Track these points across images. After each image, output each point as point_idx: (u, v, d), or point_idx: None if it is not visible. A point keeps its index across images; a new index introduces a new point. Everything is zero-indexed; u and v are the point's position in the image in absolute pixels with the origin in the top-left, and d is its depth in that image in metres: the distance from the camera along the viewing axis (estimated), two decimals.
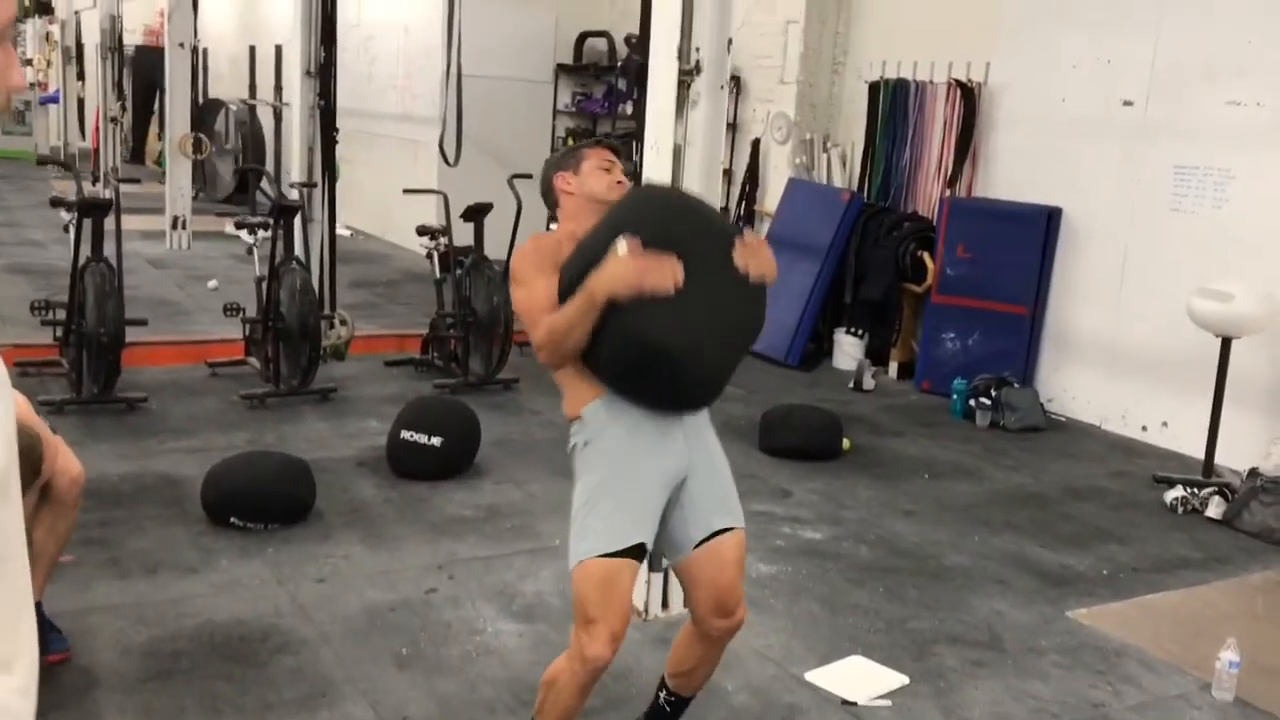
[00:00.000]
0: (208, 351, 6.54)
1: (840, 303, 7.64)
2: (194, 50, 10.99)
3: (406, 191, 7.51)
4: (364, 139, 11.15)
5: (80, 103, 16.32)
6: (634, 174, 3.59)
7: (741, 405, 6.07)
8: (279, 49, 12.08)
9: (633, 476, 2.43)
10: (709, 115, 3.49)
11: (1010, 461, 5.74)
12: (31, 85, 16.45)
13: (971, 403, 6.40)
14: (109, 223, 5.71)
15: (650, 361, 2.35)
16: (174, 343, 6.70)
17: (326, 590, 3.77)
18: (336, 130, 7.03)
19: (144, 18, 17.60)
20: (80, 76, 16.14)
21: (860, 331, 7.53)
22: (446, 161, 6.92)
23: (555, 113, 10.63)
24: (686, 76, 3.42)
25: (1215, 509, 5.00)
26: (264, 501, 4.23)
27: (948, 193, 7.28)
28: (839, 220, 7.55)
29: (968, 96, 7.16)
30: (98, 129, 12.92)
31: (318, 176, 7.02)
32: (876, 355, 7.49)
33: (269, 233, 6.20)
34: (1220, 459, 5.43)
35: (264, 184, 10.34)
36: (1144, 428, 6.24)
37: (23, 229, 10.83)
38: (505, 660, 3.38)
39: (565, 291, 2.37)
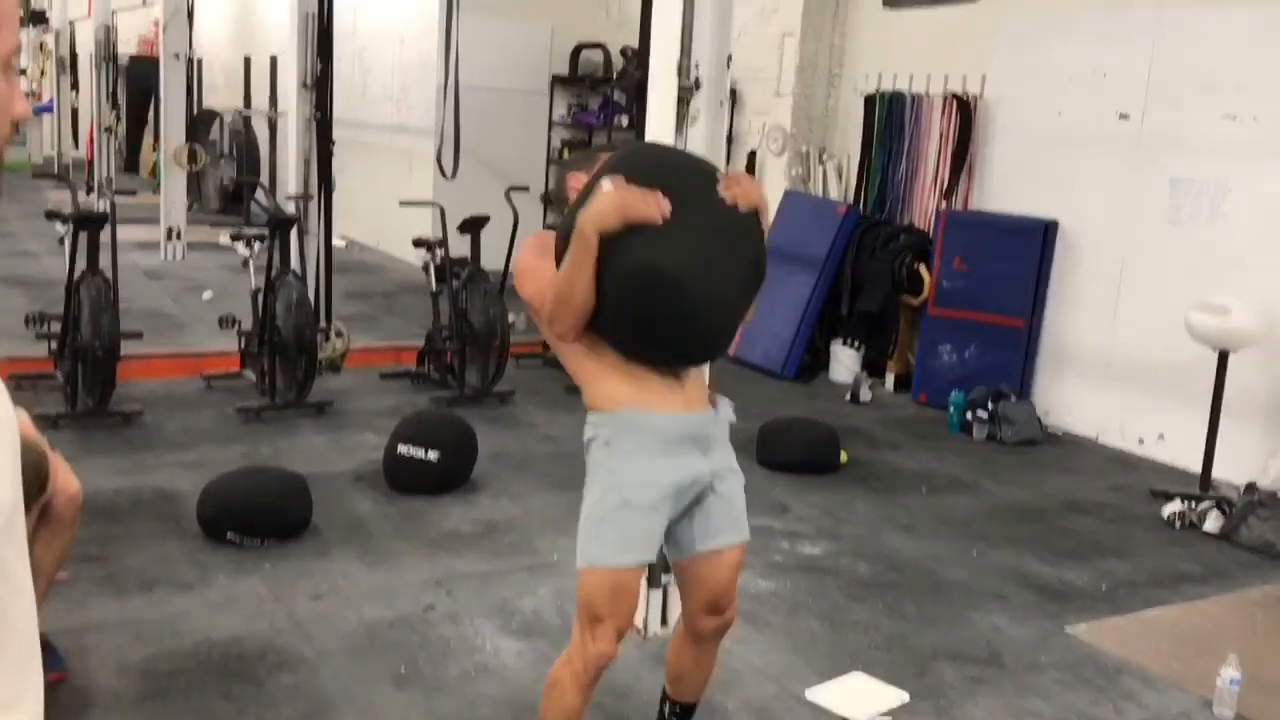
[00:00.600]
0: (203, 364, 6.52)
1: (837, 315, 7.64)
2: (189, 61, 10.99)
3: (403, 204, 7.50)
4: (359, 150, 11.14)
5: (74, 112, 16.31)
6: None
7: (739, 417, 6.04)
8: (274, 60, 12.10)
9: (651, 491, 2.41)
10: (708, 131, 3.48)
11: (1008, 475, 5.74)
12: (26, 94, 16.43)
13: (968, 416, 6.40)
14: (104, 234, 5.69)
15: (651, 292, 2.30)
16: (169, 355, 6.69)
17: (324, 607, 3.75)
18: (333, 142, 7.02)
19: (139, 28, 17.60)
20: (74, 86, 16.13)
21: (857, 343, 7.52)
22: (444, 174, 6.91)
23: (551, 124, 10.63)
24: (686, 93, 3.42)
25: (1213, 523, 5.00)
26: (261, 517, 4.21)
27: (944, 205, 7.29)
28: (835, 232, 7.55)
29: (964, 109, 7.17)
30: (92, 139, 12.90)
31: (314, 189, 7.01)
32: (873, 367, 7.49)
33: (265, 245, 6.18)
34: (1217, 473, 5.43)
35: (259, 194, 10.33)
36: (1141, 440, 6.24)
37: (17, 240, 10.81)
38: (504, 679, 3.36)
39: (561, 249, 2.37)
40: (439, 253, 6.75)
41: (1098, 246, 6.50)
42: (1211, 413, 5.38)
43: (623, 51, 10.11)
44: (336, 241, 7.39)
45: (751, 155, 8.50)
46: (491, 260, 6.55)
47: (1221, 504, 5.08)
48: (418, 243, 6.82)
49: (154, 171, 13.62)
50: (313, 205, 7.00)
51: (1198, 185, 5.95)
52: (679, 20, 3.37)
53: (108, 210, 5.84)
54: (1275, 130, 5.62)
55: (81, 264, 5.57)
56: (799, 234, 7.75)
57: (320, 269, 7.01)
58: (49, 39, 17.47)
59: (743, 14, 7.97)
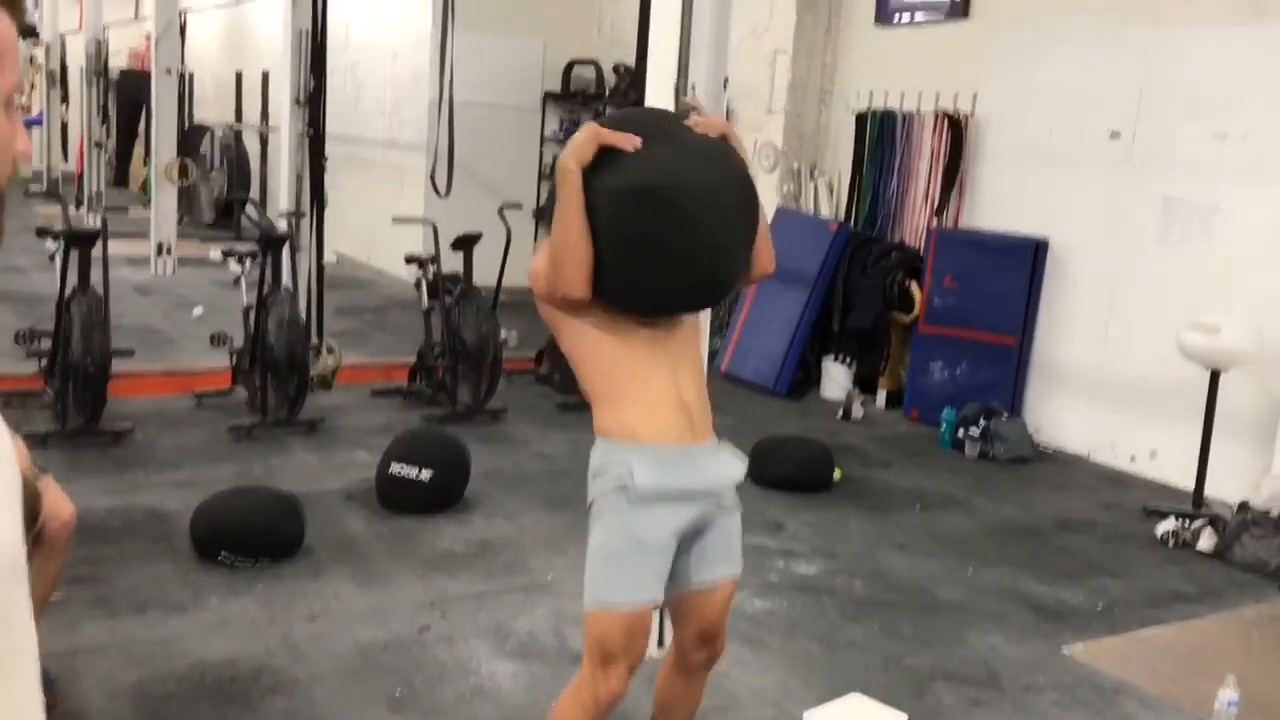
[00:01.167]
0: (194, 381, 6.49)
1: (828, 331, 7.65)
2: (180, 75, 10.97)
3: (396, 220, 7.49)
4: (350, 165, 11.13)
5: (64, 126, 16.27)
6: None
7: (731, 434, 6.03)
8: (266, 75, 12.09)
9: (663, 532, 2.39)
10: None
11: (1001, 493, 5.74)
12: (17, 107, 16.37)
13: (960, 433, 6.41)
14: (95, 250, 5.67)
15: (643, 208, 2.29)
16: (160, 372, 6.65)
17: (318, 629, 3.73)
18: (325, 159, 7.00)
19: (129, 41, 17.57)
20: (64, 100, 16.10)
21: (848, 360, 7.53)
22: (438, 193, 6.91)
23: (543, 140, 10.63)
24: (682, 115, 3.42)
25: (1206, 542, 5.00)
26: (254, 537, 4.18)
27: (935, 223, 7.31)
28: (827, 249, 7.57)
29: (955, 127, 7.20)
30: (82, 153, 12.87)
31: (306, 205, 7.00)
32: (865, 384, 7.50)
33: (257, 262, 6.16)
34: (1209, 491, 5.44)
35: (249, 210, 10.30)
36: (1132, 458, 6.25)
37: (5, 255, 10.73)
38: (500, 702, 3.34)
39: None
40: (431, 269, 6.74)
41: (1088, 264, 6.52)
42: (1204, 431, 5.40)
43: (615, 68, 10.13)
44: (327, 257, 7.37)
45: None
46: (483, 276, 6.54)
47: (1215, 522, 5.09)
48: (410, 259, 6.80)
49: (144, 185, 13.59)
50: (304, 222, 6.99)
51: (1188, 204, 5.98)
52: (676, 42, 3.38)
53: (99, 227, 5.81)
54: (1265, 149, 5.66)
55: (72, 281, 5.55)
56: (791, 251, 7.74)
57: (312, 285, 6.99)
58: (39, 53, 17.44)
59: (735, 32, 7.97)
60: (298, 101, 6.99)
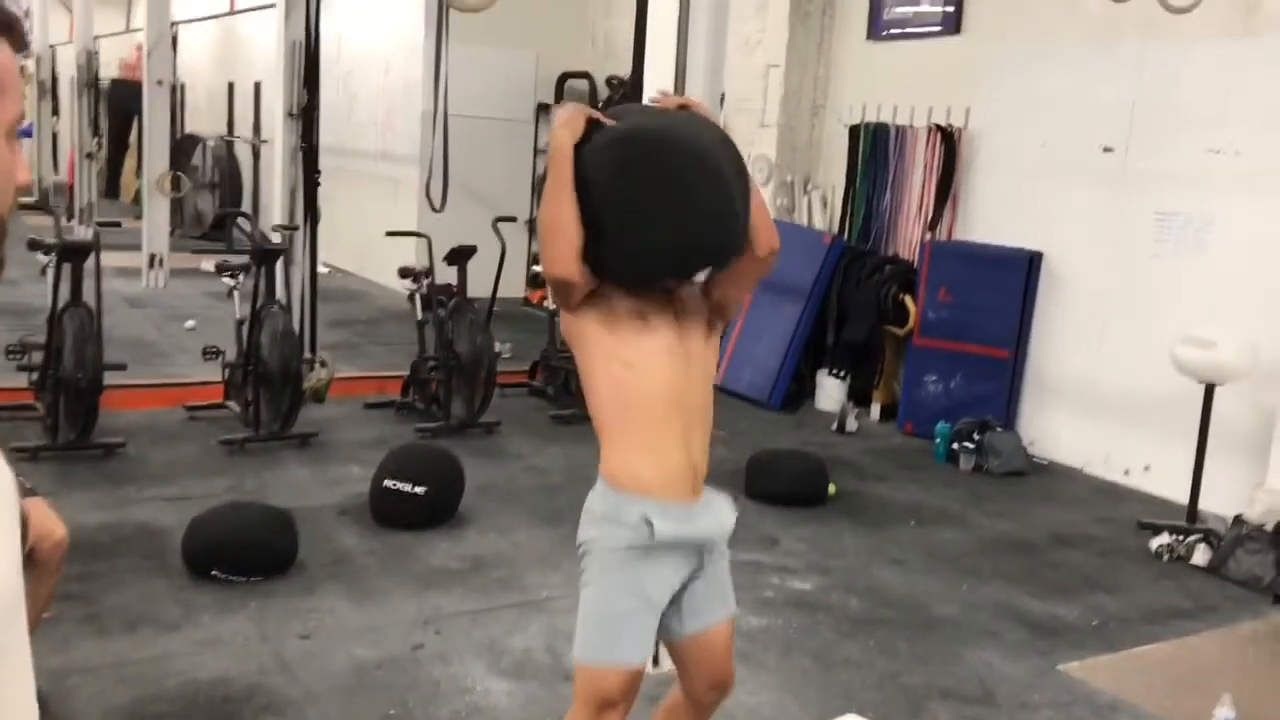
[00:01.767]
0: (186, 394, 6.46)
1: (822, 344, 7.65)
2: (172, 86, 10.95)
3: (390, 234, 7.48)
4: (343, 176, 11.12)
5: (54, 137, 16.23)
6: None
7: (725, 448, 6.04)
8: (258, 85, 12.08)
9: (666, 591, 2.35)
10: None
11: (995, 507, 5.74)
12: None
13: (955, 446, 6.41)
14: (87, 263, 5.64)
15: (632, 151, 2.27)
16: (151, 385, 6.62)
17: (311, 647, 3.70)
18: (319, 172, 6.99)
19: (120, 52, 17.55)
20: (55, 111, 16.06)
21: (842, 373, 7.53)
22: (433, 208, 6.90)
23: (536, 152, 10.63)
24: None
25: (1201, 556, 5.01)
26: (247, 554, 4.16)
27: (929, 236, 7.32)
28: (821, 262, 7.57)
29: (948, 140, 7.21)
30: (73, 164, 12.83)
31: (299, 219, 6.98)
32: (859, 397, 7.49)
33: (250, 275, 6.14)
34: (1203, 504, 5.44)
35: (242, 222, 10.27)
36: (1126, 472, 6.26)
37: None
38: None
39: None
40: (425, 282, 6.72)
41: (1082, 278, 6.53)
42: (1198, 446, 5.40)
43: (609, 81, 10.14)
44: (319, 269, 7.35)
45: None
46: (477, 288, 6.53)
47: (1209, 537, 5.09)
48: (404, 273, 6.79)
49: (136, 196, 13.55)
50: (298, 235, 6.96)
51: (1182, 218, 6.00)
52: (673, 58, 3.38)
53: (92, 240, 5.78)
54: (1258, 164, 5.67)
55: (64, 294, 5.52)
56: (784, 264, 7.66)
57: (305, 298, 6.97)
58: (29, 64, 17.38)
59: (728, 45, 8.00)
60: (290, 114, 6.98)
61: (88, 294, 5.54)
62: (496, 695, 3.46)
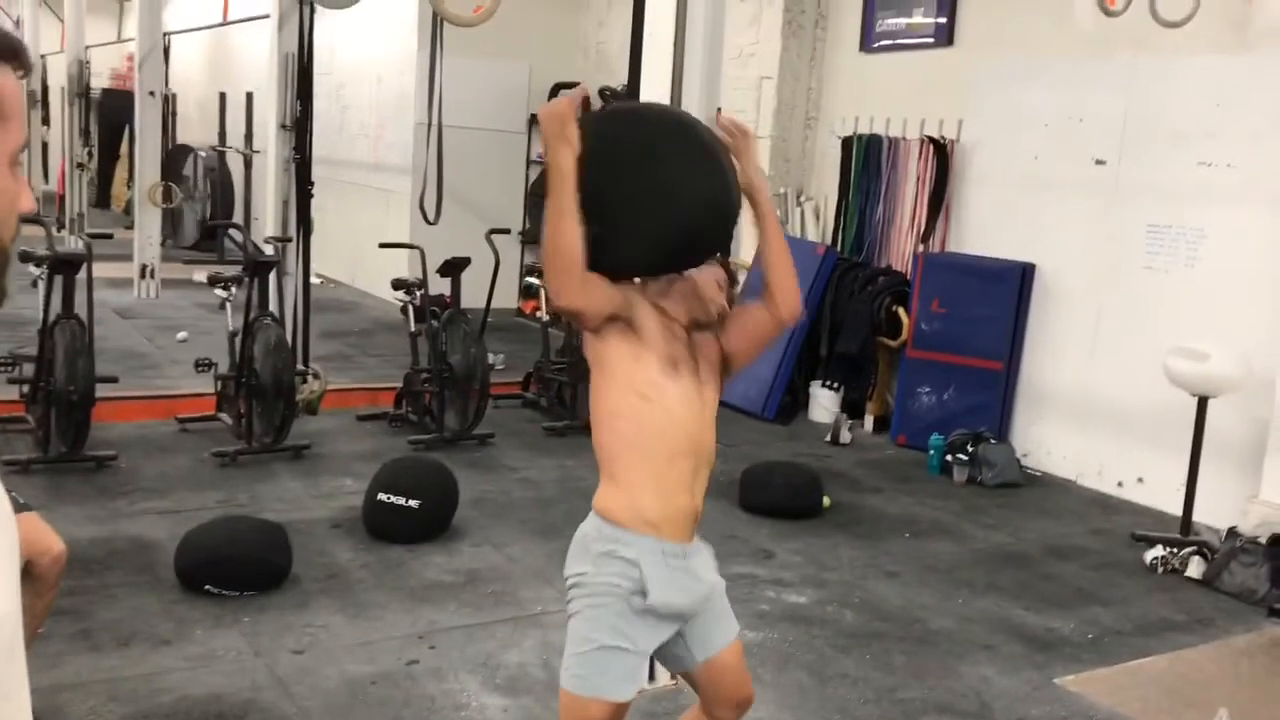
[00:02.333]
0: (178, 406, 6.42)
1: (816, 356, 7.65)
2: (163, 97, 10.93)
3: (383, 245, 7.47)
4: (335, 187, 11.10)
5: (44, 147, 16.17)
6: None
7: (720, 460, 6.02)
8: (250, 96, 12.06)
9: (663, 633, 2.34)
10: None
11: (990, 519, 5.74)
12: None
13: (948, 458, 6.41)
14: (79, 275, 5.61)
15: (638, 136, 2.28)
16: (143, 397, 6.58)
17: (305, 662, 3.68)
18: (312, 184, 6.97)
19: (110, 61, 17.51)
20: (45, 121, 15.99)
21: (836, 385, 7.53)
22: (427, 220, 6.88)
23: (529, 163, 10.64)
24: None
25: (1195, 569, 5.01)
26: (240, 568, 4.13)
27: (922, 248, 7.33)
28: (814, 274, 7.57)
29: (940, 152, 7.23)
30: (63, 174, 12.78)
31: (292, 230, 6.96)
32: (853, 408, 7.49)
33: (243, 287, 6.12)
34: (1197, 516, 5.44)
35: (234, 233, 10.25)
36: (1120, 483, 6.26)
37: None
38: None
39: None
40: (418, 294, 6.71)
41: (1075, 290, 6.54)
42: (1191, 458, 5.40)
43: (601, 92, 10.13)
44: (312, 280, 7.33)
45: None
46: (470, 300, 6.51)
47: (1203, 549, 5.09)
48: (398, 285, 6.77)
49: (127, 207, 13.51)
50: (290, 247, 6.95)
51: (1174, 231, 6.01)
52: (669, 72, 3.38)
53: (83, 251, 5.76)
54: (1249, 178, 5.70)
55: (56, 306, 5.49)
56: None
57: (298, 310, 6.95)
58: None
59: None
60: (283, 126, 6.96)
61: (79, 306, 5.52)
62: (492, 710, 3.45)
